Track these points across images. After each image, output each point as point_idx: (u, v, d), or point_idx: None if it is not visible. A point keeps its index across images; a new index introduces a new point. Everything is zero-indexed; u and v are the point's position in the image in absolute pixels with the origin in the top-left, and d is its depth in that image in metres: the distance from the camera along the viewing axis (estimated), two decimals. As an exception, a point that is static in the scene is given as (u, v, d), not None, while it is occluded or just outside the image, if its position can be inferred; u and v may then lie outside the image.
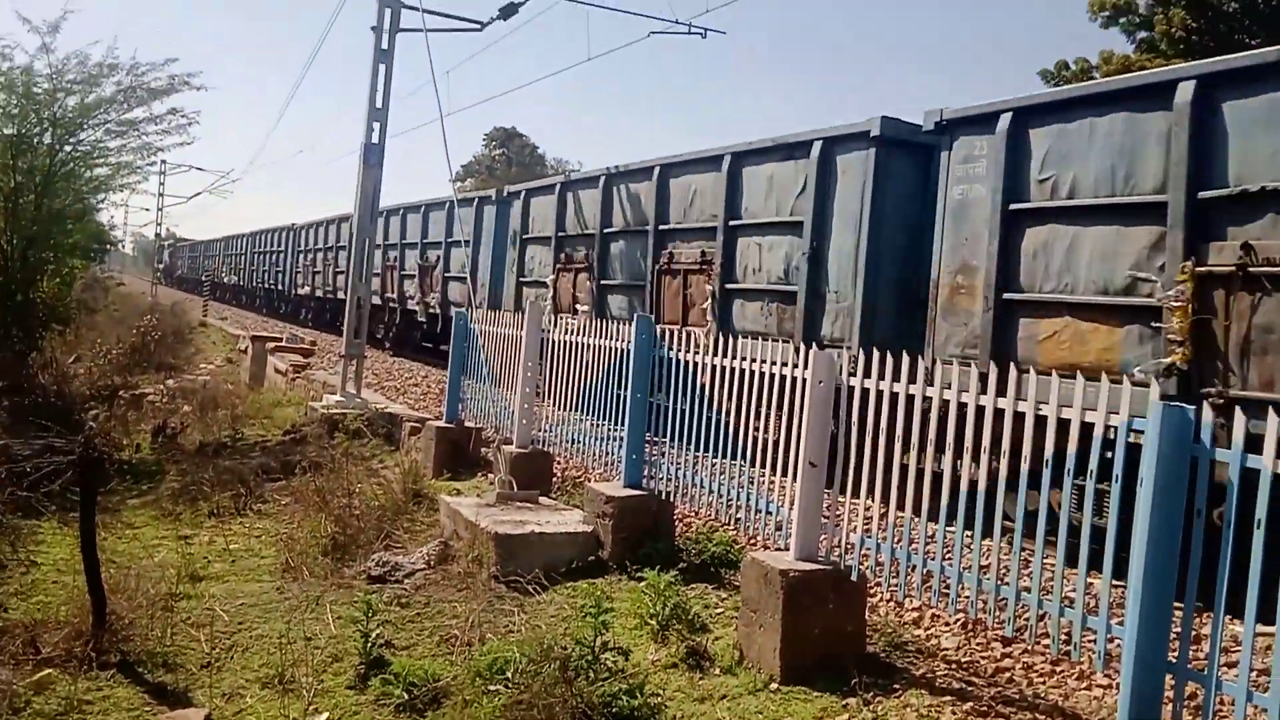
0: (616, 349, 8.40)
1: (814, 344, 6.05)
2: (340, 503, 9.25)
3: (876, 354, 5.50)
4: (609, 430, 8.49)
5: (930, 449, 5.20)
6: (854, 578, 5.55)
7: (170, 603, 7.44)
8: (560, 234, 15.68)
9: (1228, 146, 6.76)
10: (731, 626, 6.02)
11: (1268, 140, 6.55)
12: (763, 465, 6.44)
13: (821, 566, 5.64)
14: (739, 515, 6.68)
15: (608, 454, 8.48)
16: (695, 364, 7.29)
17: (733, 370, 6.84)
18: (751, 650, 5.63)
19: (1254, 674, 3.83)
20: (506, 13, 17.37)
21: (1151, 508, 4.03)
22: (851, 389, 5.70)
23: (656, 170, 13.00)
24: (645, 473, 7.86)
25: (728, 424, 6.86)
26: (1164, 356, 6.91)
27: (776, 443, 6.26)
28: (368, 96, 15.78)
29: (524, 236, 17.09)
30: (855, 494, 5.63)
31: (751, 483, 6.55)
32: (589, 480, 8.96)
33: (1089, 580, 4.42)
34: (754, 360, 6.63)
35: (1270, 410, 3.86)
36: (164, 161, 44.56)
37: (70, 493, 8.07)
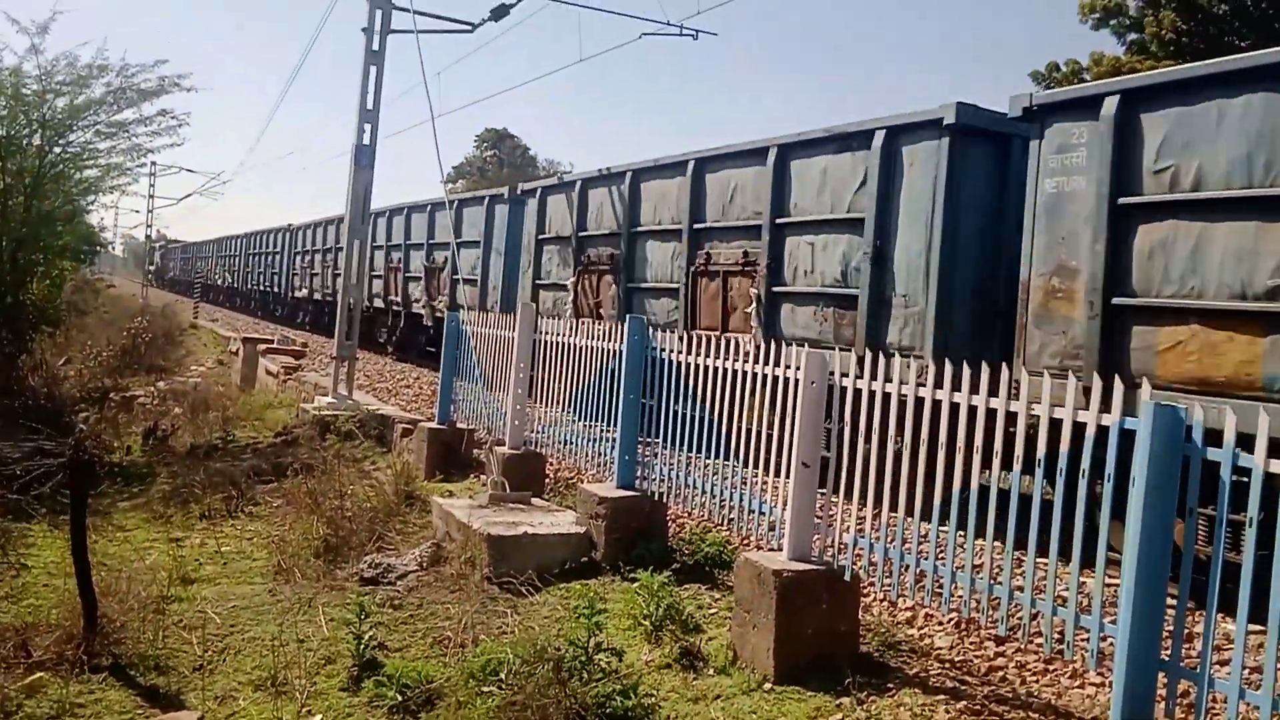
0: (609, 350, 8.40)
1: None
2: (332, 505, 9.23)
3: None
4: (602, 431, 8.49)
5: (924, 448, 5.20)
6: (847, 578, 5.56)
7: (162, 605, 7.40)
8: (581, 234, 14.83)
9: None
10: (725, 627, 6.03)
11: None
12: (755, 465, 6.45)
13: (815, 566, 5.65)
14: (732, 516, 6.69)
15: (600, 455, 8.47)
16: (689, 365, 7.29)
17: (728, 372, 6.84)
18: (745, 650, 5.63)
19: (1246, 672, 3.84)
20: (498, 14, 17.36)
21: (1144, 507, 4.05)
22: (844, 390, 5.71)
23: (690, 165, 12.15)
24: (638, 473, 7.86)
25: (722, 424, 6.86)
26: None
27: (769, 443, 6.26)
28: (358, 98, 15.78)
29: (540, 237, 16.25)
30: (849, 495, 5.64)
31: (744, 483, 6.55)
32: (582, 481, 8.96)
33: (1081, 579, 4.43)
34: (747, 361, 6.63)
35: (1260, 407, 3.88)
36: (154, 163, 44.08)
37: (60, 495, 8.03)
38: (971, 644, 5.90)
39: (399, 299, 23.76)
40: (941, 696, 4.99)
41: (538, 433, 9.68)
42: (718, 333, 10.48)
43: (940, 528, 5.07)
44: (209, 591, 7.91)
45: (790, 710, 5.06)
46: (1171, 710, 4.11)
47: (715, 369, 6.95)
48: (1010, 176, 8.79)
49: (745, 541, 7.30)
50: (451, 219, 19.85)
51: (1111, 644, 4.21)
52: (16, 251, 16.02)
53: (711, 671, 5.64)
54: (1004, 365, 4.95)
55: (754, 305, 10.82)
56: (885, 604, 6.55)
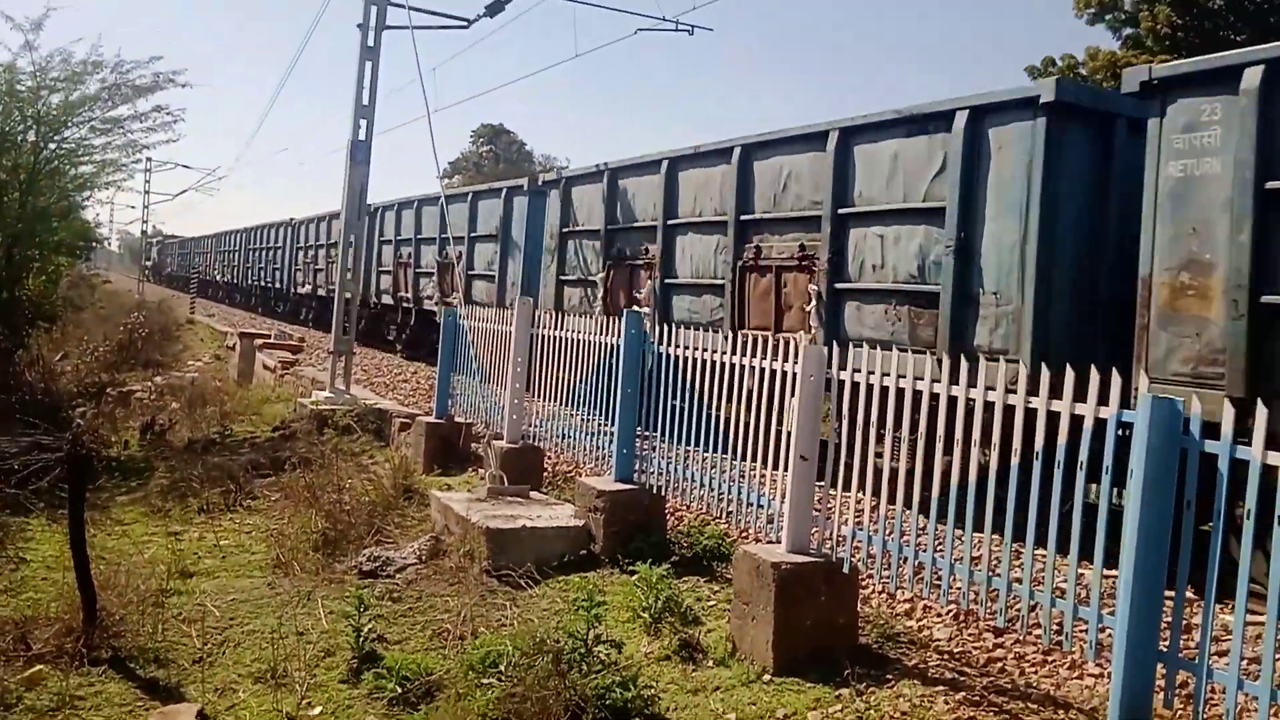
0: (607, 344, 8.40)
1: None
2: (330, 498, 9.24)
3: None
4: (599, 425, 8.50)
5: (922, 441, 5.22)
6: (846, 570, 5.57)
7: (161, 599, 7.41)
8: (611, 226, 13.84)
9: None
10: (724, 619, 6.04)
11: None
12: (754, 459, 6.46)
13: (813, 559, 5.66)
14: (730, 509, 6.70)
15: (598, 448, 8.48)
16: (686, 359, 7.30)
17: (729, 366, 6.85)
18: (744, 642, 5.65)
19: (1244, 662, 3.86)
20: (493, 10, 17.37)
21: (1141, 500, 4.06)
22: (842, 383, 5.72)
23: (737, 152, 11.22)
24: (636, 467, 7.87)
25: (722, 420, 6.87)
26: None
27: (768, 436, 6.27)
28: (354, 94, 15.74)
29: (564, 230, 15.18)
30: (847, 487, 5.65)
31: (743, 476, 6.56)
32: (580, 475, 8.97)
33: (1079, 571, 4.45)
34: (752, 356, 6.64)
35: (1259, 403, 3.89)
36: (149, 159, 44.15)
37: (59, 490, 8.04)
38: (970, 635, 5.92)
39: (409, 295, 22.77)
40: (940, 687, 5.01)
41: (536, 426, 9.68)
42: (770, 333, 9.70)
43: (939, 521, 5.09)
44: (208, 585, 7.91)
45: (789, 701, 5.08)
46: (1170, 701, 4.13)
47: (709, 362, 6.95)
48: (1114, 160, 8.08)
49: (744, 534, 7.32)
50: (468, 212, 19.27)
51: (1110, 635, 4.23)
52: (12, 247, 16.03)
53: (711, 663, 5.66)
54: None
55: (813, 303, 9.90)
56: (884, 596, 6.57)
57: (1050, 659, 5.48)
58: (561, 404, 9.20)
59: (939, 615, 6.22)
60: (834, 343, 6.68)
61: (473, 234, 19.60)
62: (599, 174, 14.24)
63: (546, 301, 15.10)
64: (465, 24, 17.68)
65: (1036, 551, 4.67)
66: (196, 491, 10.79)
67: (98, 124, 16.92)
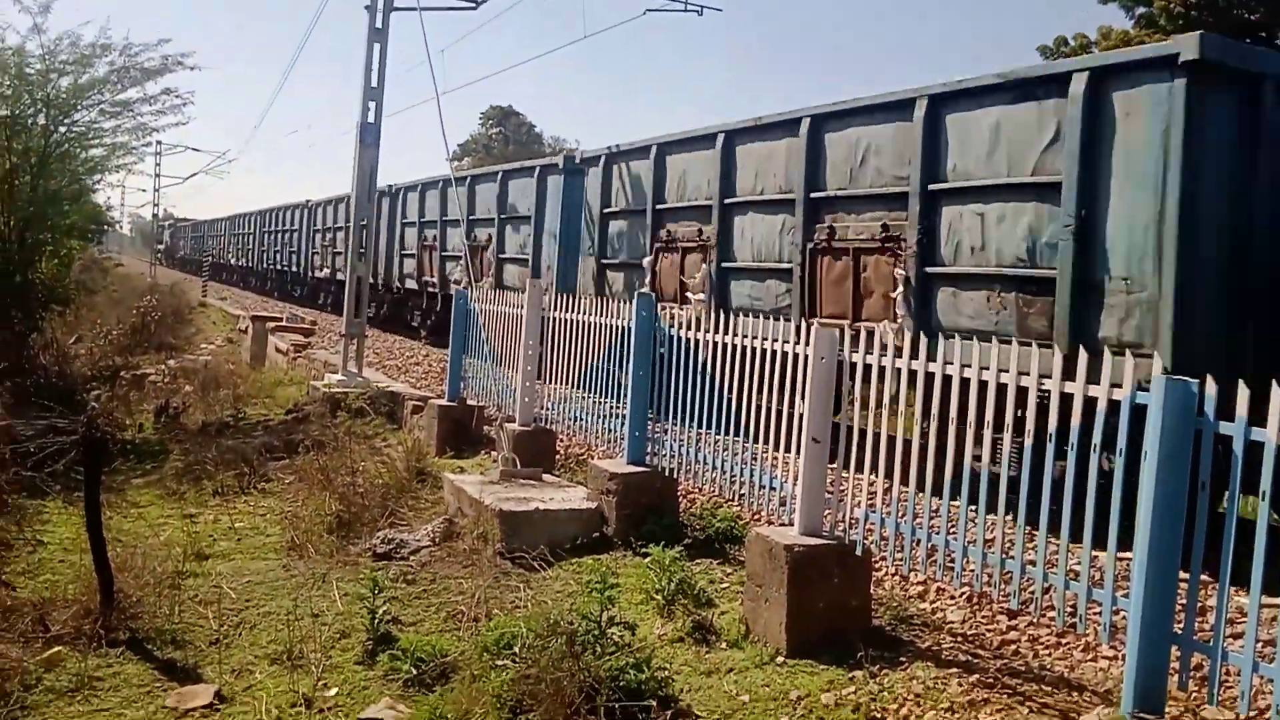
0: (618, 327, 8.40)
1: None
2: (344, 481, 9.28)
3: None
4: (611, 408, 8.50)
5: (935, 423, 5.21)
6: (859, 552, 5.58)
7: (177, 581, 7.48)
8: (659, 206, 12.90)
9: None
10: (737, 601, 6.06)
11: None
12: (766, 441, 6.46)
13: (826, 541, 5.67)
14: (743, 491, 6.71)
15: (610, 431, 8.49)
16: (697, 341, 7.30)
17: (737, 348, 6.84)
18: (757, 624, 5.66)
19: (1259, 645, 3.86)
20: (503, -11, 17.25)
21: (1155, 481, 4.06)
22: (854, 365, 5.71)
23: (805, 123, 10.25)
24: (649, 450, 7.88)
25: (734, 402, 6.87)
26: None
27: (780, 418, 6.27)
28: (363, 76, 15.71)
29: (606, 211, 14.24)
30: (859, 469, 5.66)
31: (755, 459, 6.57)
32: (592, 457, 8.99)
33: (1094, 553, 4.45)
34: (757, 338, 6.63)
35: (1274, 384, 3.86)
36: (159, 142, 44.09)
37: (75, 473, 8.10)
38: (984, 618, 5.93)
39: (434, 280, 21.55)
40: (954, 670, 5.02)
41: (548, 409, 9.70)
42: (848, 322, 8.91)
43: (951, 502, 5.08)
44: (224, 567, 7.97)
45: (803, 683, 5.10)
46: (1185, 683, 4.14)
47: (722, 345, 6.95)
48: (1262, 126, 7.16)
49: (756, 517, 7.33)
50: (497, 193, 18.48)
51: (1124, 617, 4.23)
52: (24, 231, 16.07)
53: (724, 645, 5.68)
54: None
55: (898, 289, 8.99)
56: (897, 578, 6.58)
57: (1064, 641, 5.49)
58: (573, 387, 9.21)
59: (952, 598, 6.23)
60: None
61: (503, 215, 18.65)
62: (645, 149, 13.31)
63: (587, 287, 14.31)
64: (473, 5, 17.60)
65: (1051, 537, 4.67)
66: (211, 474, 10.86)
67: (107, 107, 16.94)
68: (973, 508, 5.03)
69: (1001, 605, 5.77)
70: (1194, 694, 4.44)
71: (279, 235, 39.50)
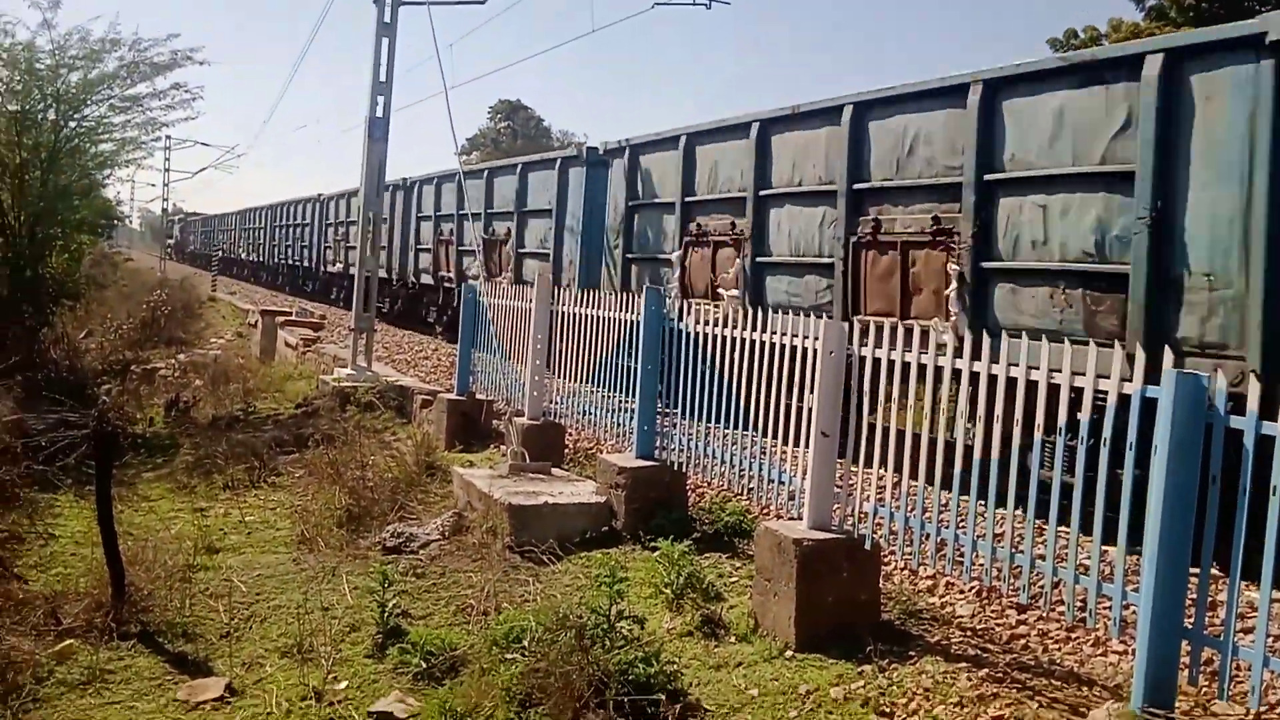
0: (627, 321, 8.40)
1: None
2: (354, 475, 9.30)
3: None
4: (620, 402, 8.50)
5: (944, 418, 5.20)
6: (868, 546, 5.58)
7: (188, 574, 7.50)
8: (688, 199, 12.50)
9: None
10: (746, 595, 6.06)
11: None
12: (774, 436, 6.45)
13: (835, 535, 5.67)
14: (752, 485, 6.71)
15: (619, 425, 8.50)
16: (707, 336, 7.29)
17: (747, 342, 6.84)
18: (766, 619, 5.67)
19: (1270, 639, 3.85)
20: (511, -17, 17.25)
21: (1166, 474, 4.05)
22: (863, 359, 5.71)
23: (848, 111, 9.86)
24: (657, 444, 7.89)
25: (745, 397, 6.86)
26: None
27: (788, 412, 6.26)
28: (371, 71, 15.72)
29: (631, 204, 13.83)
30: (868, 464, 5.65)
31: (764, 453, 6.57)
32: (601, 452, 9.00)
33: (1103, 548, 4.44)
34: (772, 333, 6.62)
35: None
36: (169, 137, 44.07)
37: (85, 466, 8.13)
38: (993, 613, 5.93)
39: (451, 275, 21.06)
40: (963, 664, 5.01)
41: (556, 403, 9.71)
42: (894, 320, 8.35)
43: (961, 496, 5.08)
44: (234, 560, 8.00)
45: (812, 677, 5.10)
46: (1195, 678, 4.13)
47: (731, 339, 6.95)
48: None
49: (765, 511, 7.33)
50: (516, 185, 18.14)
51: (1134, 612, 4.22)
52: (35, 225, 16.13)
53: (733, 639, 5.69)
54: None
55: (953, 285, 8.52)
56: (906, 572, 6.57)
57: (1074, 636, 5.48)
58: (582, 381, 9.21)
59: (962, 592, 6.23)
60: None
61: (522, 209, 18.19)
62: (673, 140, 12.89)
63: (611, 282, 14.02)
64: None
65: (1061, 529, 4.66)
66: (221, 468, 10.88)
67: (117, 102, 17.00)
68: (981, 502, 5.02)
69: (1011, 600, 5.76)
70: (1204, 689, 4.44)
71: (291, 230, 39.13)
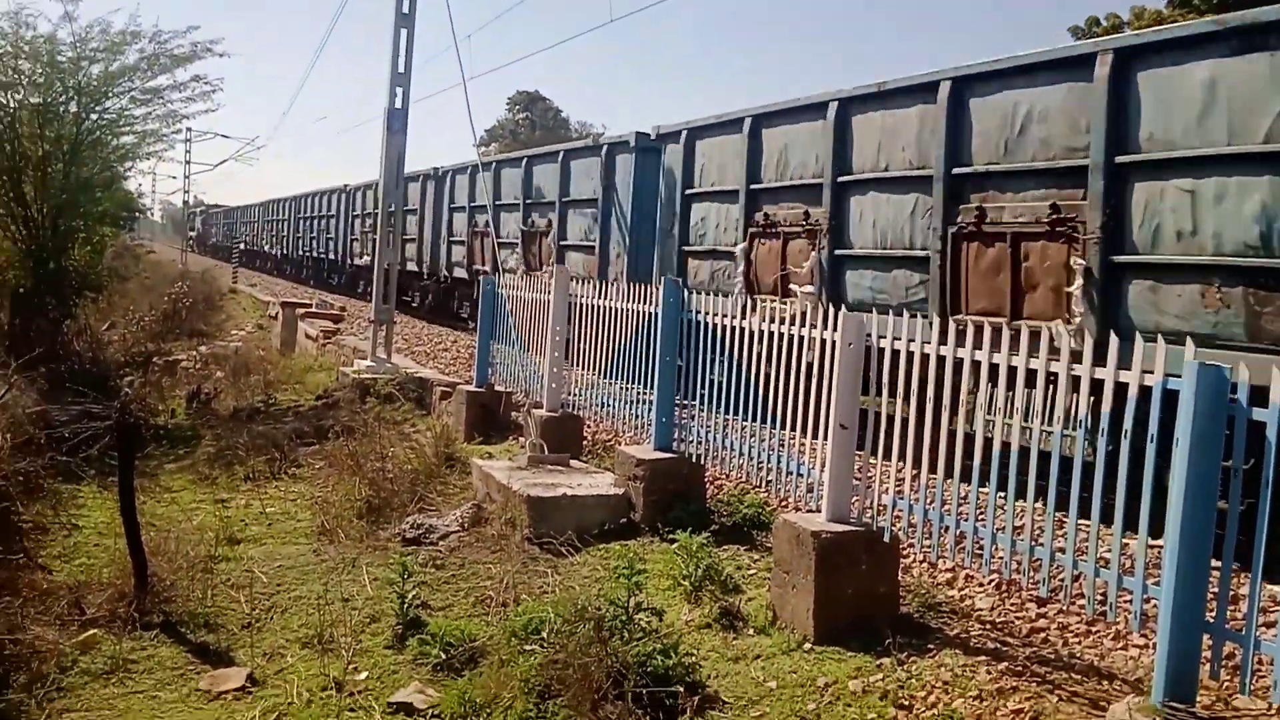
0: (645, 312, 8.39)
1: None
2: (373, 466, 9.35)
3: None
4: (639, 393, 8.50)
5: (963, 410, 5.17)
6: (886, 539, 5.56)
7: (209, 565, 7.57)
8: (754, 186, 11.44)
9: None
10: (764, 588, 6.06)
11: None
12: (793, 428, 6.43)
13: (854, 528, 5.65)
14: (770, 477, 6.70)
15: (638, 417, 8.50)
16: (725, 327, 7.28)
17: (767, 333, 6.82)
18: (785, 611, 5.66)
19: (1293, 633, 3.81)
20: (530, -26, 17.19)
21: (1188, 467, 4.01)
22: (881, 351, 5.67)
23: (945, 87, 8.84)
24: (676, 435, 7.89)
25: (761, 387, 6.84)
26: None
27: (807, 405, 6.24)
28: (389, 62, 15.74)
29: (688, 192, 12.78)
30: (886, 456, 5.63)
31: (782, 445, 6.55)
32: (619, 443, 9.00)
33: (1124, 541, 4.41)
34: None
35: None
36: (189, 129, 44.33)
37: (108, 458, 8.22)
38: (1013, 605, 5.90)
39: (486, 269, 19.30)
40: (983, 657, 5.00)
41: (575, 395, 9.72)
42: (1005, 320, 7.62)
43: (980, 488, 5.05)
44: (255, 551, 8.06)
45: (830, 670, 5.10)
46: (1216, 672, 4.10)
47: (750, 331, 6.93)
48: None
49: (783, 503, 7.32)
50: (558, 174, 17.06)
51: (1155, 606, 4.19)
52: (57, 218, 16.25)
53: (751, 631, 5.69)
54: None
55: (1077, 282, 7.59)
56: (925, 565, 6.56)
57: (1094, 630, 5.45)
58: (600, 373, 9.22)
59: (981, 585, 6.20)
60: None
61: (564, 199, 17.02)
62: (736, 123, 11.81)
63: (665, 276, 12.23)
64: (501, -10, 17.55)
65: (1081, 521, 4.63)
66: (242, 459, 10.98)
67: (138, 94, 17.08)
68: (1001, 494, 4.99)
69: (1031, 593, 5.73)
70: (1226, 683, 4.40)
71: (316, 221, 38.05)
